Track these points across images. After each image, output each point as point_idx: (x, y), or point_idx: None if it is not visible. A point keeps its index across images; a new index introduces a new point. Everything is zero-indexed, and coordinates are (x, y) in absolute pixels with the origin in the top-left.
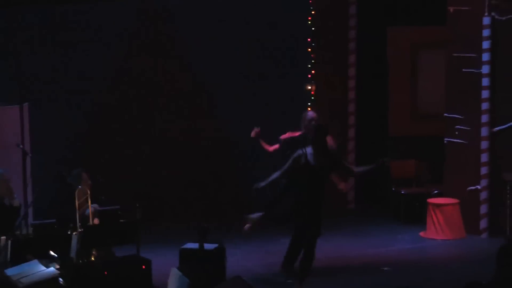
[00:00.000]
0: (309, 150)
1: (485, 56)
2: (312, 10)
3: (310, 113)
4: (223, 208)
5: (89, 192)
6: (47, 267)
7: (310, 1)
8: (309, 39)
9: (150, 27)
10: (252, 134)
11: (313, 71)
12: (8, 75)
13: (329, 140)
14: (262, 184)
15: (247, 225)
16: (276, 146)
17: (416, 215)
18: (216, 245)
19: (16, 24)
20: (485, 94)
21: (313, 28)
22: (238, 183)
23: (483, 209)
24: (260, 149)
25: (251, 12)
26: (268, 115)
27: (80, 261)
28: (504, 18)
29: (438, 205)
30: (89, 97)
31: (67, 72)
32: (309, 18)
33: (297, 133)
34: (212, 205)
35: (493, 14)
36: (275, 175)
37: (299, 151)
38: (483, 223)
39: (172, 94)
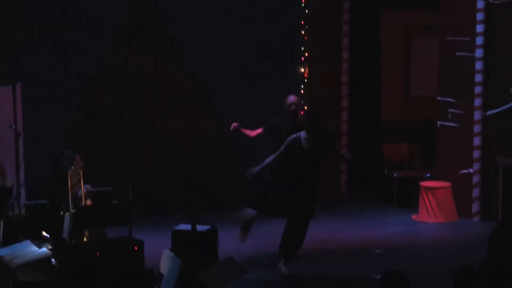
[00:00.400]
0: (303, 134)
1: (479, 40)
2: None
3: (291, 97)
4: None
5: (81, 173)
6: (39, 247)
7: None
8: (302, 22)
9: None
10: (232, 127)
11: (306, 53)
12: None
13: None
14: (256, 169)
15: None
16: (259, 130)
17: (408, 198)
18: (208, 227)
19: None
20: (478, 78)
21: (306, 11)
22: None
23: (475, 192)
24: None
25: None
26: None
27: (73, 242)
28: (498, 1)
29: (431, 189)
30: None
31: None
32: (303, 1)
33: (254, 133)
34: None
35: None
36: (269, 159)
37: (294, 136)
38: (475, 207)
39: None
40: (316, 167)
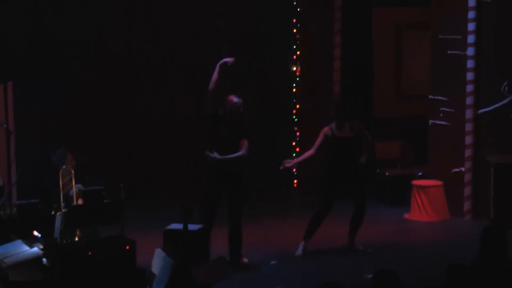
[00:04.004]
0: (334, 125)
1: (470, 38)
2: None
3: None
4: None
5: (73, 172)
6: (31, 247)
7: None
8: (294, 20)
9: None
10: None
11: (298, 52)
12: None
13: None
14: (295, 161)
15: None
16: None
17: (400, 197)
18: (200, 226)
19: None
20: (469, 76)
21: (298, 9)
22: None
23: (467, 191)
24: None
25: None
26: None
27: (64, 241)
28: None
29: (422, 187)
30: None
31: (46, 49)
32: (295, 0)
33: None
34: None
35: None
36: (309, 152)
37: (327, 127)
38: (467, 205)
39: (151, 71)
40: (349, 155)
